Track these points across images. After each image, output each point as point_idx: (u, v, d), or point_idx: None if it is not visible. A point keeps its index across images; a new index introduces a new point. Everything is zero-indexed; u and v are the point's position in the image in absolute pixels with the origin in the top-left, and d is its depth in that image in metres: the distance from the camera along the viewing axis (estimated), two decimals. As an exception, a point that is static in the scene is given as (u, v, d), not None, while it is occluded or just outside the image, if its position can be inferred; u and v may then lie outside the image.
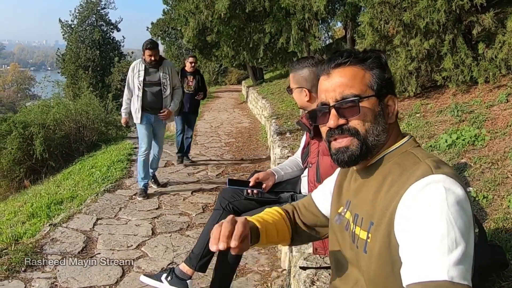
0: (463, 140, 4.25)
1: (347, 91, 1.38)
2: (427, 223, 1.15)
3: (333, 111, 1.39)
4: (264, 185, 2.85)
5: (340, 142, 1.40)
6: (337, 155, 1.41)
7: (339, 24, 14.77)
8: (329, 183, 1.75)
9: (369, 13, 6.44)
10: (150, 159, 6.41)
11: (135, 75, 6.09)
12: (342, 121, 1.38)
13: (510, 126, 4.19)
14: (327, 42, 13.90)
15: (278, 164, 5.76)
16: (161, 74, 6.14)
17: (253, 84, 20.39)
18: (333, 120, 1.39)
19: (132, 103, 6.13)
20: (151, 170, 6.48)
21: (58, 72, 32.81)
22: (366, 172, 1.44)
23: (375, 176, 1.41)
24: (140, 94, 6.02)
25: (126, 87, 6.21)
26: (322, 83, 1.46)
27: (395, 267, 1.25)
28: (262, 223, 1.61)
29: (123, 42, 35.57)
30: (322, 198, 1.75)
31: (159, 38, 29.57)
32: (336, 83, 1.40)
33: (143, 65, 6.07)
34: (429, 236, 1.13)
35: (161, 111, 6.16)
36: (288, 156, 5.49)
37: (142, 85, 6.02)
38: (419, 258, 1.13)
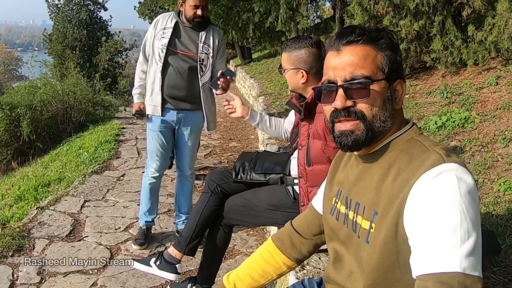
0: (453, 122, 4.26)
1: (358, 72, 1.29)
2: (440, 213, 1.12)
3: (340, 91, 1.31)
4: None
5: (345, 125, 1.33)
6: (340, 137, 1.34)
7: (328, 4, 14.68)
8: (323, 184, 1.70)
9: (359, -7, 6.40)
10: (176, 192, 4.25)
11: (158, 34, 3.81)
12: (349, 102, 1.30)
13: (500, 109, 4.21)
14: (316, 22, 13.81)
15: (267, 144, 5.77)
16: (201, 44, 3.81)
17: (241, 63, 20.26)
18: (340, 100, 1.30)
19: (149, 82, 3.90)
20: (178, 215, 4.25)
21: (45, 53, 32.28)
22: (369, 158, 1.39)
23: (379, 163, 1.35)
24: (160, 69, 3.78)
25: (141, 52, 3.99)
26: (330, 59, 1.36)
27: (400, 257, 1.23)
28: None
29: (110, 21, 35.00)
30: (321, 201, 1.69)
31: (146, 17, 29.21)
32: (347, 62, 1.31)
33: (174, 21, 3.80)
34: (442, 226, 1.11)
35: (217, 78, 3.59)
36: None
37: (165, 52, 3.75)
38: (431, 248, 1.11)
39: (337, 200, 1.51)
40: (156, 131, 3.92)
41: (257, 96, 10.17)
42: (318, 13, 12.28)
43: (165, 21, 3.82)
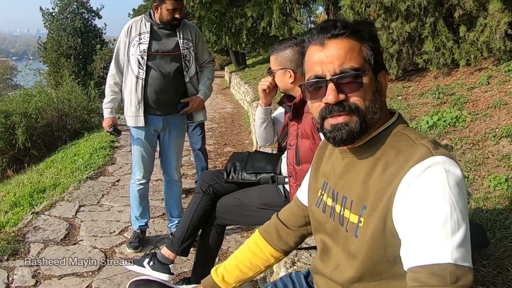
0: (444, 121, 4.28)
1: (347, 64, 1.27)
2: (430, 206, 1.13)
3: (331, 85, 1.27)
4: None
5: (337, 119, 1.29)
6: (333, 132, 1.30)
7: (321, 9, 14.75)
8: (307, 176, 1.70)
9: (351, -4, 6.43)
10: (165, 197, 4.20)
11: (133, 41, 3.65)
12: (341, 96, 1.27)
13: (491, 107, 4.24)
14: (309, 27, 13.88)
15: (260, 147, 5.78)
16: (181, 40, 3.72)
17: (236, 69, 20.30)
18: (332, 95, 1.27)
19: (126, 93, 3.75)
20: (170, 219, 4.21)
21: (40, 61, 32.37)
22: (355, 152, 1.37)
23: (366, 157, 1.34)
24: (143, 75, 3.64)
25: (112, 63, 3.80)
26: (314, 54, 1.33)
27: (388, 251, 1.24)
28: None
29: (104, 29, 35.21)
30: (306, 193, 1.68)
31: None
32: (334, 55, 1.28)
33: (149, 24, 3.66)
34: (432, 218, 1.12)
35: (183, 102, 3.79)
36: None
37: (146, 58, 3.62)
38: (422, 241, 1.11)
39: (323, 192, 1.51)
40: (141, 140, 3.84)
41: (252, 101, 10.18)
42: (311, 19, 12.34)
43: (139, 26, 3.67)
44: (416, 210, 1.14)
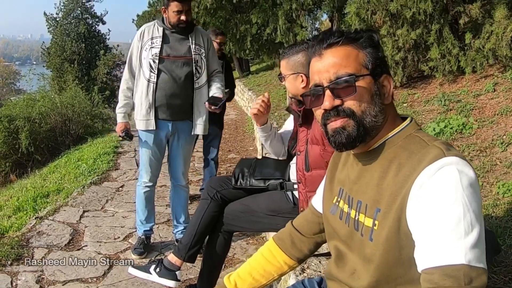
0: (451, 128, 4.27)
1: (342, 71, 1.32)
2: (443, 206, 1.12)
3: (327, 92, 1.33)
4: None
5: (335, 123, 1.33)
6: (334, 136, 1.34)
7: (325, 17, 14.78)
8: (322, 183, 1.70)
9: (356, 3, 6.43)
10: (172, 202, 4.18)
11: (145, 45, 3.71)
12: (337, 101, 1.32)
13: (497, 114, 4.22)
14: (314, 33, 13.90)
15: (266, 154, 5.76)
16: (193, 45, 3.76)
17: (240, 76, 20.31)
18: (328, 101, 1.32)
19: (137, 96, 3.77)
20: (176, 225, 4.17)
21: (44, 66, 32.40)
22: (368, 156, 1.39)
23: (379, 160, 1.35)
24: (154, 79, 3.68)
25: (126, 68, 3.85)
26: (314, 64, 1.39)
27: (403, 252, 1.24)
28: None
29: (108, 35, 35.25)
30: (321, 200, 1.69)
31: (145, 30, 29.41)
32: (329, 64, 1.34)
33: (161, 29, 3.73)
34: (445, 219, 1.11)
35: (215, 98, 3.71)
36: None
37: (157, 61, 3.68)
38: (436, 242, 1.11)
39: (339, 199, 1.51)
40: (150, 144, 3.85)
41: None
42: (315, 26, 12.37)
43: (151, 31, 3.73)
44: (429, 210, 1.14)
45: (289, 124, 3.08)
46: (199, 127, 3.88)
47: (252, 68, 22.42)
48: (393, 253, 1.25)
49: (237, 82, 17.80)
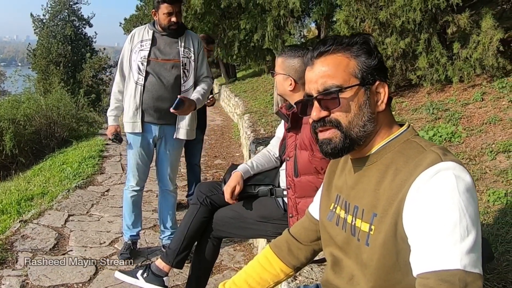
0: (440, 136, 4.29)
1: (329, 82, 1.33)
2: (439, 211, 1.12)
3: (315, 103, 1.35)
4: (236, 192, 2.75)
5: (324, 134, 1.36)
6: (322, 146, 1.38)
7: (313, 24, 14.85)
8: (320, 190, 1.70)
9: (345, 11, 6.46)
10: (159, 207, 4.10)
11: (135, 47, 3.73)
12: (324, 113, 1.34)
13: (485, 123, 4.25)
14: (301, 41, 13.94)
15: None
16: (182, 48, 3.75)
17: (226, 82, 20.31)
18: (315, 112, 1.35)
19: (126, 99, 3.77)
20: (163, 230, 4.10)
21: (29, 68, 31.99)
22: (365, 162, 1.39)
23: (376, 166, 1.35)
24: (142, 81, 3.67)
25: (117, 70, 3.88)
26: (307, 74, 1.42)
27: (400, 257, 1.23)
28: None
29: (95, 38, 35.03)
30: (317, 207, 1.68)
31: (132, 34, 29.30)
32: (319, 74, 1.35)
33: (151, 32, 3.74)
34: (441, 224, 1.11)
35: (181, 99, 3.51)
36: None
37: (145, 64, 3.67)
38: (431, 246, 1.11)
39: (335, 206, 1.50)
40: (137, 147, 3.81)
41: (242, 114, 10.17)
42: (302, 33, 12.39)
43: (142, 34, 3.75)
44: (425, 215, 1.14)
45: (279, 131, 3.07)
46: (182, 132, 3.83)
47: (239, 75, 22.42)
48: (390, 257, 1.25)
49: (223, 88, 17.83)
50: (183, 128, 3.82)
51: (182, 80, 3.74)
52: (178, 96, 3.51)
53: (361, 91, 1.33)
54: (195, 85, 3.85)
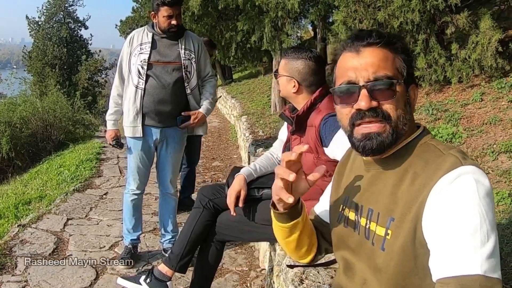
0: (441, 137, 4.29)
1: (381, 72, 1.27)
2: (460, 216, 1.11)
3: (364, 91, 1.26)
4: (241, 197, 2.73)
5: (370, 128, 1.28)
6: (364, 141, 1.29)
7: (309, 26, 14.84)
8: (327, 190, 1.68)
9: (343, 12, 6.44)
10: (160, 210, 4.08)
11: (134, 50, 3.65)
12: (374, 103, 1.26)
13: (486, 124, 4.25)
14: (298, 42, 13.92)
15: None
16: (183, 51, 3.69)
17: (222, 83, 20.28)
18: (364, 101, 1.26)
19: (125, 103, 3.71)
20: (163, 234, 4.06)
21: (24, 70, 31.95)
22: (382, 164, 1.36)
23: (393, 168, 1.32)
24: (142, 85, 3.62)
25: (116, 74, 3.80)
26: (348, 60, 1.32)
27: (418, 262, 1.22)
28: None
29: (90, 40, 35.00)
30: (325, 208, 1.67)
31: (128, 36, 29.23)
32: (368, 62, 1.28)
33: (151, 35, 3.66)
34: (461, 229, 1.10)
35: (184, 116, 3.72)
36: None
37: (146, 67, 3.60)
38: (452, 251, 1.10)
39: (344, 207, 1.49)
40: (138, 151, 3.77)
41: (239, 115, 10.15)
42: (298, 35, 12.35)
43: (141, 37, 3.67)
44: (445, 220, 1.13)
45: (282, 133, 3.05)
46: (200, 129, 3.92)
47: (235, 76, 22.42)
48: (408, 262, 1.23)
49: (219, 90, 17.80)
50: (199, 125, 3.88)
51: (185, 83, 3.70)
52: (180, 116, 3.69)
53: (405, 89, 1.31)
54: (199, 85, 3.85)
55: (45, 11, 33.31)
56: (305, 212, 1.59)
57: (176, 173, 4.04)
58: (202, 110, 3.80)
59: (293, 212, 1.54)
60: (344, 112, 1.34)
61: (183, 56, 3.67)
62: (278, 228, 1.63)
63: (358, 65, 1.29)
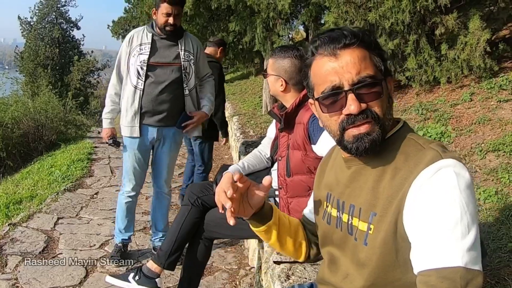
0: (430, 136, 4.32)
1: (363, 73, 1.25)
2: (440, 209, 1.12)
3: (351, 95, 1.24)
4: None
5: (359, 129, 1.27)
6: (356, 143, 1.27)
7: (300, 27, 14.87)
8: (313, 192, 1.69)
9: (334, 13, 6.45)
10: (153, 208, 4.10)
11: (134, 51, 3.64)
12: (363, 105, 1.25)
13: (475, 123, 4.28)
14: (290, 43, 13.93)
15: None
16: (182, 52, 3.71)
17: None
18: (354, 105, 1.23)
19: (123, 102, 3.70)
20: (154, 232, 4.11)
21: (16, 71, 31.73)
22: (362, 159, 1.36)
23: (374, 163, 1.33)
24: (141, 86, 3.62)
25: (114, 73, 3.76)
26: (326, 64, 1.28)
27: (399, 255, 1.23)
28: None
29: (83, 40, 34.82)
30: (310, 208, 1.69)
31: (120, 37, 29.09)
32: (349, 64, 1.25)
33: (150, 35, 3.66)
34: (442, 221, 1.11)
35: (184, 118, 3.75)
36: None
37: (145, 68, 3.60)
38: (432, 244, 1.11)
39: (327, 204, 1.50)
40: (134, 151, 3.76)
41: (231, 116, 10.15)
42: (290, 36, 12.35)
43: (140, 37, 3.66)
44: (426, 213, 1.14)
45: (271, 131, 3.07)
46: (196, 129, 3.89)
47: (226, 77, 22.37)
48: (389, 256, 1.25)
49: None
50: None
51: (184, 84, 3.71)
52: (182, 116, 3.72)
53: (385, 85, 1.31)
54: (197, 87, 3.88)
55: (37, 11, 33.12)
56: (277, 213, 1.63)
57: (171, 173, 4.04)
58: (205, 110, 3.86)
59: (260, 217, 1.59)
60: (332, 119, 1.33)
61: (183, 57, 3.68)
62: (255, 231, 1.66)
63: (339, 68, 1.26)
